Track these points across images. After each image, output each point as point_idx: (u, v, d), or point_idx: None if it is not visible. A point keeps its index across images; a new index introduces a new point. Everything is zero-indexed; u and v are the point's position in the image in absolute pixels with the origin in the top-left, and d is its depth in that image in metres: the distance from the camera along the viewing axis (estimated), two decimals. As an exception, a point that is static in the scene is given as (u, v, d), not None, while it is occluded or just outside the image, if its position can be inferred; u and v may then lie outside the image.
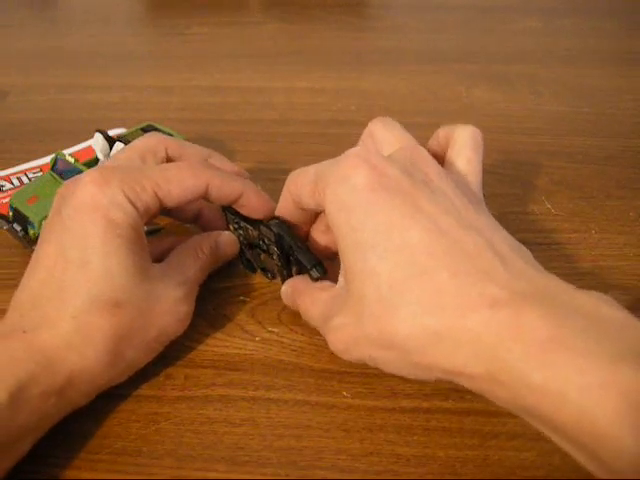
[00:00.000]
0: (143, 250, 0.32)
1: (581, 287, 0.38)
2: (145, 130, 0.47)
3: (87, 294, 0.29)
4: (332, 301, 0.31)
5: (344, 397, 0.32)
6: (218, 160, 0.38)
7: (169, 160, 0.36)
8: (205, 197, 0.34)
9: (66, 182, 0.33)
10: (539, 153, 0.53)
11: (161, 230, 0.44)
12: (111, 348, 0.30)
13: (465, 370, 0.25)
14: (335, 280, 0.32)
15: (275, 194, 0.48)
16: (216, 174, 0.34)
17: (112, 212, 0.30)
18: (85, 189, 0.31)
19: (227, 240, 0.38)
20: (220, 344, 0.36)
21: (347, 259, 0.28)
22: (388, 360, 0.28)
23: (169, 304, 0.32)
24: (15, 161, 0.51)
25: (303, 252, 0.33)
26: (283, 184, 0.50)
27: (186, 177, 0.33)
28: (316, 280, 0.33)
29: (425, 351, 0.26)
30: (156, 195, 0.32)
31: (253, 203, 0.36)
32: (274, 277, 0.40)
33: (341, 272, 0.31)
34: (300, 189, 0.32)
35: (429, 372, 0.27)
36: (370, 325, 0.27)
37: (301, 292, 0.34)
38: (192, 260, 0.35)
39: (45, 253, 0.31)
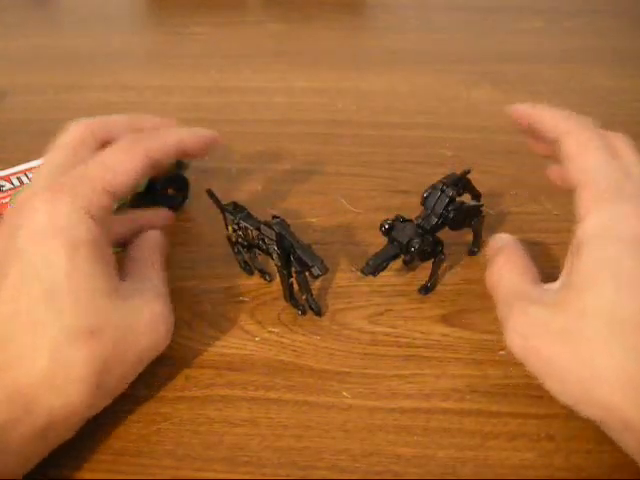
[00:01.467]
0: (110, 267, 0.30)
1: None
2: (145, 130, 0.47)
3: (60, 326, 0.27)
4: (535, 286, 0.31)
5: (344, 397, 0.32)
6: (145, 121, 0.36)
7: (101, 143, 0.34)
8: (151, 167, 0.33)
9: (12, 207, 0.30)
10: (539, 153, 0.53)
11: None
12: (93, 380, 0.28)
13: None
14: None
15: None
16: (150, 140, 0.33)
17: (73, 233, 0.29)
18: (39, 214, 0.29)
19: (162, 236, 0.38)
20: (220, 344, 0.36)
21: (589, 276, 0.28)
22: (560, 378, 0.28)
23: (148, 321, 0.31)
24: (15, 161, 0.51)
25: (304, 250, 0.33)
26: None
27: (125, 160, 0.32)
28: (316, 278, 0.33)
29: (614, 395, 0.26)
30: (106, 191, 0.31)
31: (192, 145, 0.35)
32: (272, 279, 0.40)
33: (564, 279, 0.30)
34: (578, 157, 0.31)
35: (591, 409, 0.27)
36: (575, 345, 0.27)
37: (507, 251, 0.33)
38: (153, 268, 0.34)
39: (5, 288, 0.28)
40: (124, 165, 0.32)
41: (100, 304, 0.29)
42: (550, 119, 0.34)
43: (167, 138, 0.34)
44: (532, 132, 0.35)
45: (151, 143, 0.33)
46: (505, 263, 0.33)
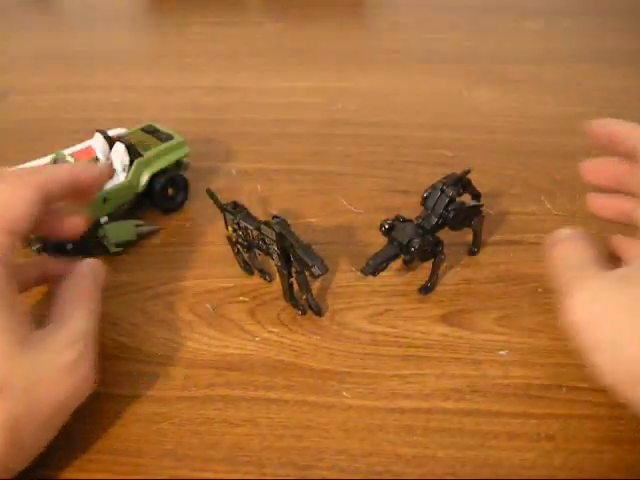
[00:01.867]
0: (18, 312, 0.28)
1: (581, 287, 0.38)
2: (145, 130, 0.47)
3: None
4: (600, 266, 0.30)
5: (344, 397, 0.32)
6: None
7: None
8: (45, 199, 0.31)
9: None
10: (539, 153, 0.53)
11: (159, 230, 0.44)
12: (4, 438, 0.25)
13: None
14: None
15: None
16: (39, 173, 0.32)
17: None
18: None
19: (98, 266, 0.34)
20: (220, 344, 0.36)
21: None
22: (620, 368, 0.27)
23: (62, 371, 0.28)
24: (15, 161, 0.51)
25: (304, 250, 0.33)
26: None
27: (17, 193, 0.30)
28: (317, 277, 0.33)
29: None
30: (5, 230, 0.29)
31: (85, 178, 0.34)
32: (272, 279, 0.40)
33: (633, 261, 0.30)
34: None
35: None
36: None
37: (574, 237, 0.33)
38: (78, 304, 0.31)
39: None
40: (18, 199, 0.30)
41: (7, 355, 0.26)
42: (628, 129, 0.33)
43: (58, 170, 0.33)
44: (607, 148, 0.35)
45: (40, 175, 0.31)
46: (571, 243, 0.32)
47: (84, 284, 0.33)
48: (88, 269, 0.34)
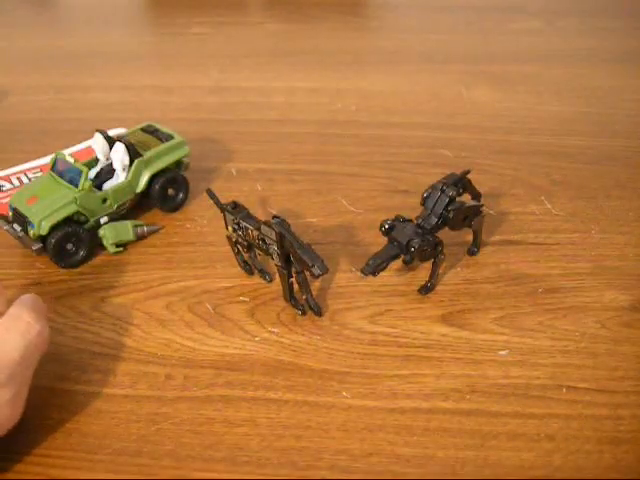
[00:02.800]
0: None
1: (581, 287, 0.38)
2: (145, 130, 0.47)
3: None
4: None
5: (344, 397, 0.32)
6: None
7: None
8: None
9: None
10: (539, 153, 0.53)
11: (159, 230, 0.44)
12: None
13: None
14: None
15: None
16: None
17: None
18: None
19: (36, 299, 0.32)
20: (220, 344, 0.36)
21: None
22: None
23: None
24: (15, 161, 0.51)
25: (305, 250, 0.33)
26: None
27: None
28: (317, 277, 0.33)
29: None
30: None
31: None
32: (272, 279, 0.40)
33: None
34: None
35: None
36: None
37: None
38: (17, 339, 0.29)
39: None
40: None
41: None
42: None
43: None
44: None
45: None
46: None
47: (30, 314, 0.30)
48: (32, 299, 0.31)
